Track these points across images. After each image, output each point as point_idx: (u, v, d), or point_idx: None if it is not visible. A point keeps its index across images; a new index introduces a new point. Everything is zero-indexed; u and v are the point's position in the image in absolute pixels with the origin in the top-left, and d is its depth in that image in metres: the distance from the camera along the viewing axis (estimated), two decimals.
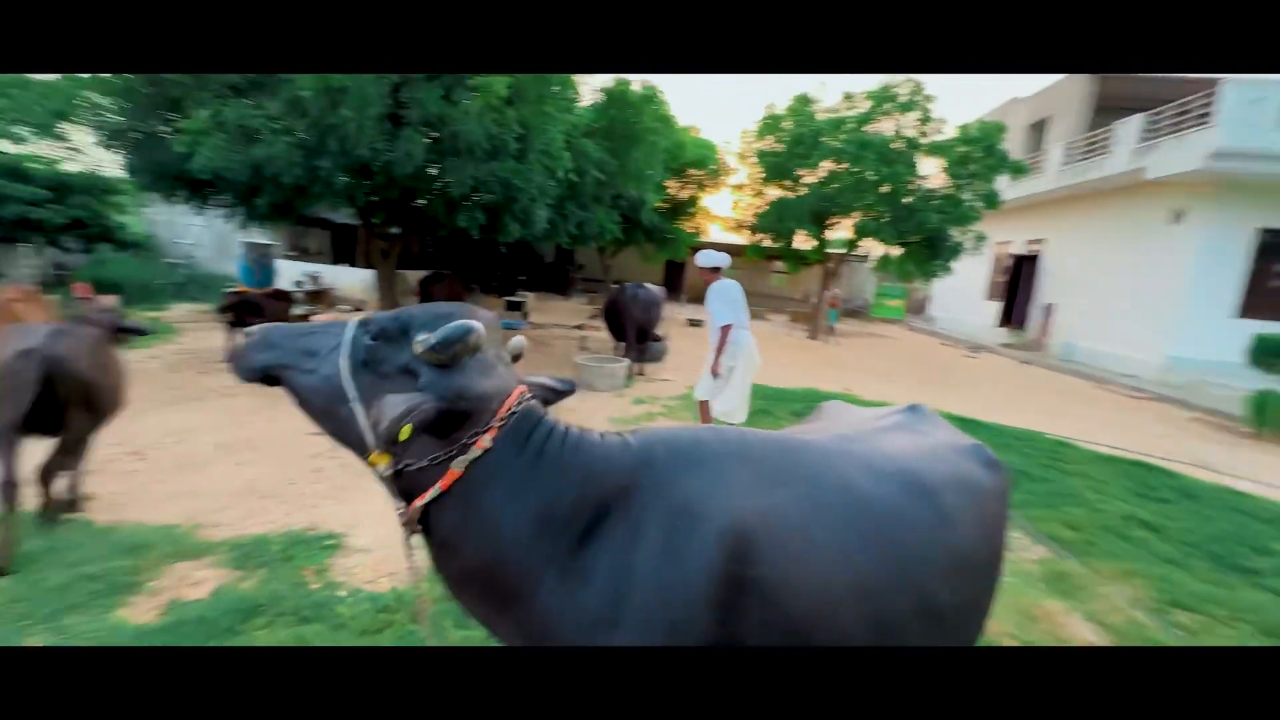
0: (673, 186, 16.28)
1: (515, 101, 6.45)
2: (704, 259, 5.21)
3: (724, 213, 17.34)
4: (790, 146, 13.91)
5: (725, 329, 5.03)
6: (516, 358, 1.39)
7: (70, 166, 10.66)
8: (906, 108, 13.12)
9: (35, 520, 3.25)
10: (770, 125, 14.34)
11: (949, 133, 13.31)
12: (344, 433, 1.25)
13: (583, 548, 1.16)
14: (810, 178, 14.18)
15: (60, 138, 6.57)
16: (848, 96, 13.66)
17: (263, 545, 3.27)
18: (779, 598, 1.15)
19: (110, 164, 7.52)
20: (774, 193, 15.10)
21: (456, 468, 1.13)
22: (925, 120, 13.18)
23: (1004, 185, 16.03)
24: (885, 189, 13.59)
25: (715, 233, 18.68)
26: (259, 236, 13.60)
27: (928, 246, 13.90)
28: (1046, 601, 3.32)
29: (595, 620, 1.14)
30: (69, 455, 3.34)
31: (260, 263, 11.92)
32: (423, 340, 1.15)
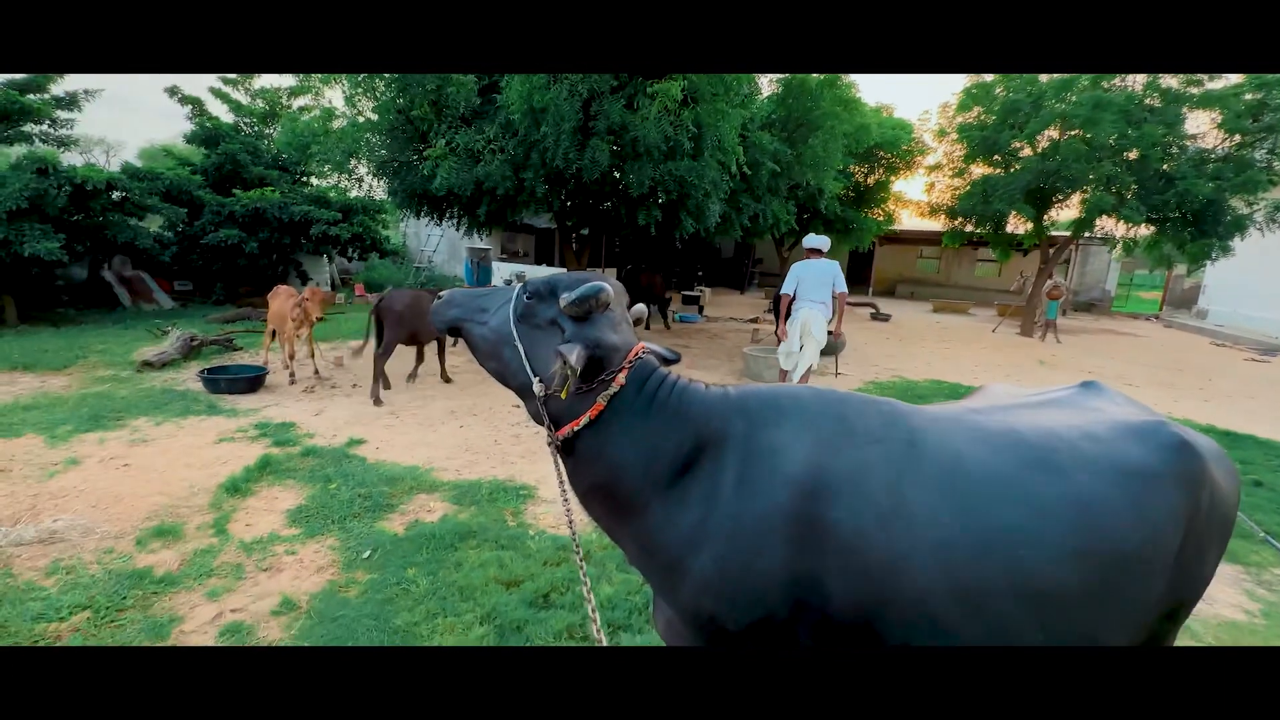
0: (858, 172, 15.35)
1: (690, 102, 6.78)
2: (808, 241, 6.13)
3: (918, 196, 15.80)
4: (1002, 116, 12.22)
5: (780, 298, 6.09)
6: (638, 322, 1.63)
7: (352, 194, 13.75)
8: None
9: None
10: (977, 95, 12.72)
11: (1229, 78, 10.55)
12: (505, 371, 1.51)
13: (681, 478, 1.35)
14: (1026, 151, 12.31)
15: (350, 172, 8.54)
16: None
17: (475, 489, 4.03)
18: (855, 546, 1.22)
19: (376, 189, 9.47)
20: (978, 171, 13.40)
21: (601, 400, 1.40)
22: None
23: None
24: (1131, 155, 11.26)
25: (907, 219, 17.14)
26: (479, 243, 15.99)
27: (1192, 223, 11.20)
28: None
29: (687, 539, 1.33)
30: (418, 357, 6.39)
31: (480, 264, 14.03)
32: (566, 297, 1.41)
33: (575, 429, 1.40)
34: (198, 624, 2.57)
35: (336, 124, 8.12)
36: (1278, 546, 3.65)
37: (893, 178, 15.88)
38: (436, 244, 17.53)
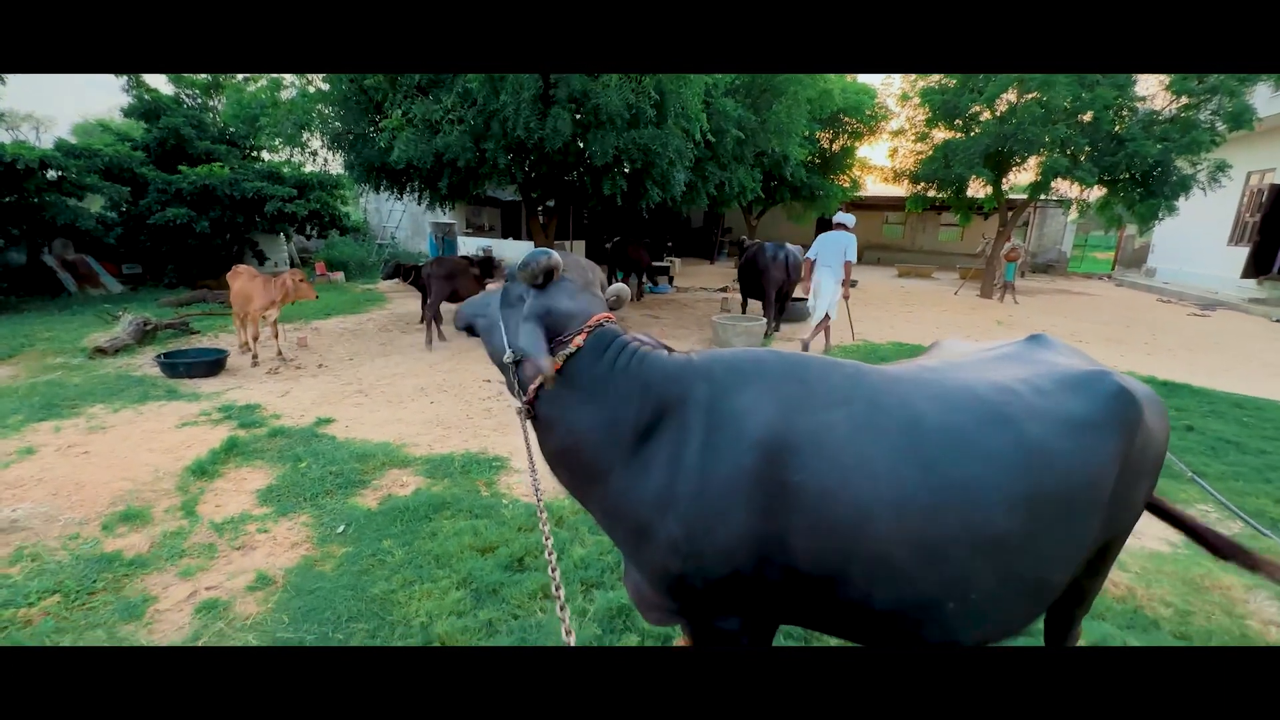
0: (823, 139, 15.39)
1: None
2: (838, 217, 7.34)
3: (882, 162, 15.95)
4: (962, 81, 12.36)
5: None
6: (616, 305, 1.66)
7: (306, 168, 13.23)
8: None
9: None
10: None
11: None
12: (492, 353, 1.60)
13: (646, 444, 1.40)
14: (986, 115, 12.51)
15: (302, 146, 8.24)
16: None
17: (448, 462, 4.07)
18: (820, 505, 1.29)
19: (332, 163, 9.17)
20: (941, 136, 13.58)
21: (558, 359, 1.43)
22: None
23: (1264, 97, 12.70)
24: (1085, 118, 11.54)
25: (871, 185, 17.32)
26: (443, 217, 15.62)
27: (1141, 183, 11.60)
28: (1225, 576, 2.94)
29: (653, 503, 1.37)
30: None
31: (444, 239, 13.77)
32: (511, 269, 1.54)
33: (534, 388, 1.46)
34: (172, 602, 2.59)
35: (285, 94, 7.79)
36: (1204, 485, 3.92)
37: (857, 144, 15.98)
38: (399, 219, 17.07)
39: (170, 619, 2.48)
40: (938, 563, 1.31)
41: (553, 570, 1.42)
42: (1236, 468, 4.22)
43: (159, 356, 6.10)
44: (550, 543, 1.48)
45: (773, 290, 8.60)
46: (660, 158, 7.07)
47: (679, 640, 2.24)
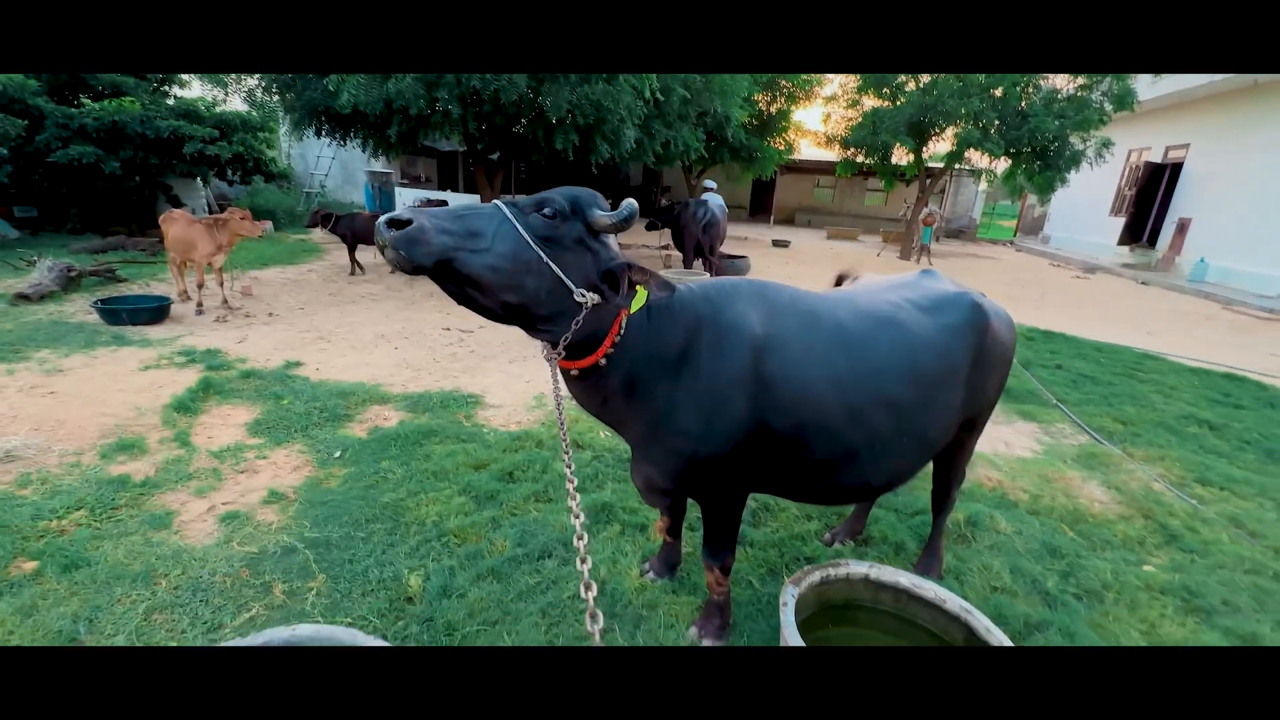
0: (762, 101, 15.82)
1: None
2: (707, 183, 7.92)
3: (815, 127, 16.65)
4: None
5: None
6: (629, 222, 1.59)
7: (218, 108, 12.31)
8: None
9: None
10: None
11: None
12: (528, 299, 1.47)
13: (678, 358, 1.73)
14: (911, 85, 13.35)
15: (225, 86, 7.79)
16: None
17: (426, 398, 4.37)
18: (784, 387, 1.77)
19: (252, 102, 8.70)
20: (870, 103, 14.37)
21: (625, 310, 1.62)
22: None
23: (1145, 83, 14.22)
24: (997, 93, 12.59)
25: (806, 149, 18.03)
26: (379, 167, 15.02)
27: (1040, 156, 12.87)
28: (1070, 472, 3.77)
29: (683, 399, 1.75)
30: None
31: (381, 188, 13.32)
32: (606, 216, 1.52)
33: (615, 336, 1.63)
34: (194, 515, 2.84)
35: None
36: (1064, 409, 4.87)
37: (794, 107, 16.53)
38: (328, 167, 16.22)
39: (197, 527, 2.74)
40: (859, 422, 1.86)
41: (575, 516, 1.41)
42: (1090, 396, 5.20)
43: (96, 302, 5.88)
44: (580, 522, 1.41)
45: (691, 244, 9.16)
46: (612, 114, 7.29)
47: (657, 524, 2.74)
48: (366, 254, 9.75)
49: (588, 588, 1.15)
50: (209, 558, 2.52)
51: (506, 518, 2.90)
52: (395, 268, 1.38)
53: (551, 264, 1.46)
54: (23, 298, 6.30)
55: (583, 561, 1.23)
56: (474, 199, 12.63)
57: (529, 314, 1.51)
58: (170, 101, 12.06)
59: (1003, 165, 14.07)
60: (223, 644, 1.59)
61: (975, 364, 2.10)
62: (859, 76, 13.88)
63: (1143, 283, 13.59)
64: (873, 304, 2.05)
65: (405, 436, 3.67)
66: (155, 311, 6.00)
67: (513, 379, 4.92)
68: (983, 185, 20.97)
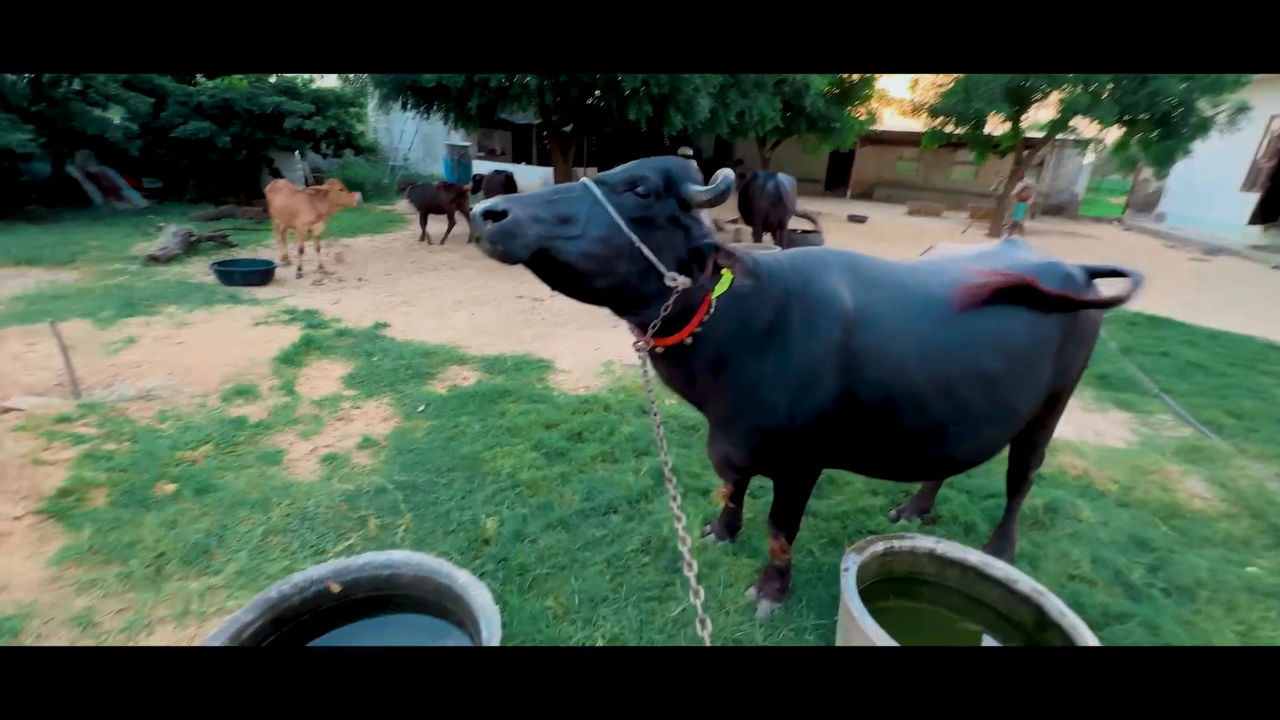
0: None
1: None
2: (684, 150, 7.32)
3: (901, 94, 15.70)
4: None
5: None
6: (725, 196, 1.53)
7: (314, 84, 13.07)
8: None
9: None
10: None
11: None
12: (621, 283, 1.44)
13: (767, 333, 1.69)
14: None
15: None
16: None
17: (501, 361, 4.59)
18: (874, 361, 1.75)
19: (346, 78, 9.16)
20: None
21: (713, 290, 1.59)
22: None
23: None
24: None
25: (889, 118, 17.07)
26: (459, 140, 15.52)
27: (1160, 124, 11.59)
28: (1168, 465, 3.51)
29: (772, 375, 1.69)
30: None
31: (460, 160, 13.79)
32: (702, 191, 1.44)
33: (704, 315, 1.59)
34: (300, 454, 3.16)
35: None
36: (1165, 399, 4.50)
37: (878, 74, 15.63)
38: (411, 141, 16.93)
39: (303, 465, 3.06)
40: (949, 395, 1.82)
41: (680, 527, 1.29)
42: (1199, 387, 4.76)
43: (214, 265, 6.51)
44: (678, 505, 1.33)
45: (759, 219, 8.90)
46: (687, 84, 7.20)
47: (720, 490, 2.80)
48: (437, 225, 10.12)
49: (703, 624, 1.10)
50: (314, 492, 2.81)
51: (575, 474, 3.05)
52: (493, 258, 1.34)
53: (644, 248, 1.41)
54: (154, 259, 7.06)
55: (695, 595, 1.15)
56: (547, 171, 12.86)
57: (620, 297, 1.49)
58: (272, 79, 12.91)
59: (1114, 134, 12.78)
60: (213, 645, 1.75)
61: (1066, 337, 2.02)
62: None
63: (1275, 267, 12.11)
64: (960, 274, 1.98)
65: (482, 395, 3.89)
66: (263, 274, 6.57)
67: (582, 345, 5.07)
68: (1089, 157, 19.12)
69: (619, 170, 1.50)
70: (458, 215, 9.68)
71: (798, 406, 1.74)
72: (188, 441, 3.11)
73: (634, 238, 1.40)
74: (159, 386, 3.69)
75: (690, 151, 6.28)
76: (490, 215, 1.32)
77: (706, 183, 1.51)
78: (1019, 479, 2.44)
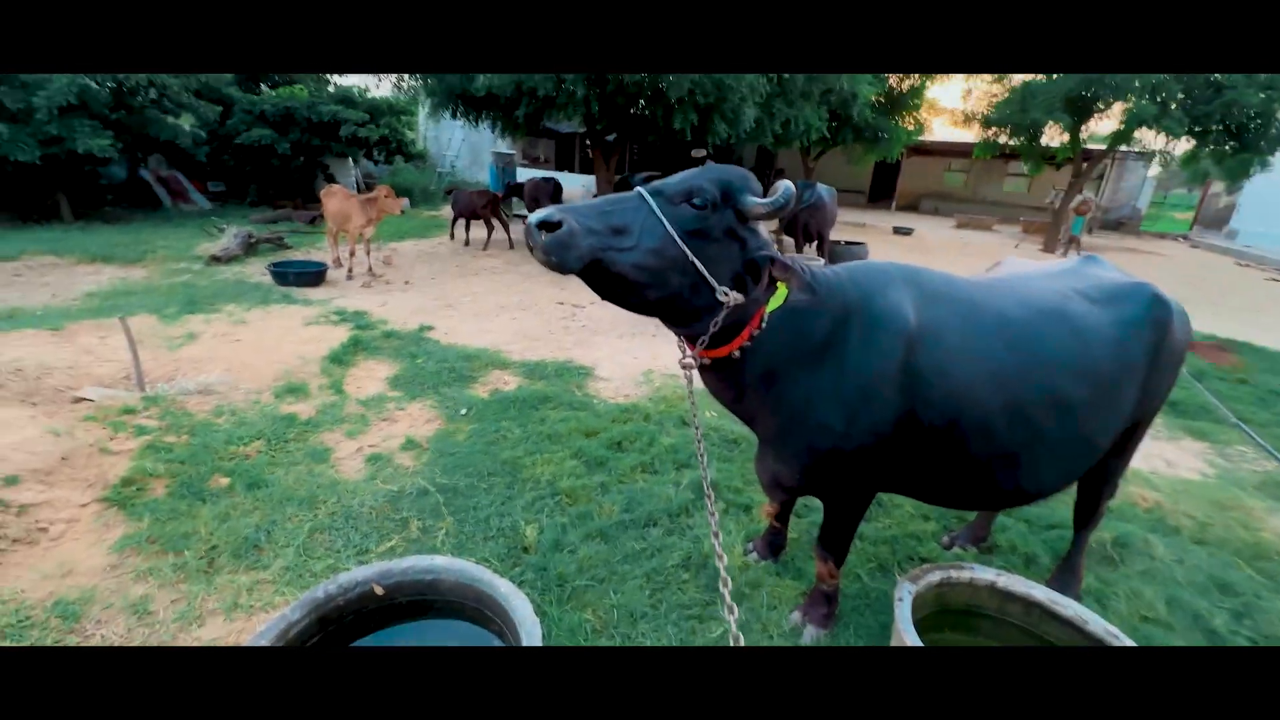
0: (892, 76, 14.75)
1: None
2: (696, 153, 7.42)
3: (952, 104, 15.26)
4: None
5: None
6: (785, 207, 1.50)
7: (370, 93, 13.56)
8: None
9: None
10: None
11: None
12: (673, 295, 1.42)
13: (822, 348, 1.62)
14: None
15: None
16: None
17: (541, 367, 4.61)
18: (939, 381, 1.65)
19: (399, 88, 9.42)
20: (1020, 76, 12.92)
21: (765, 304, 1.52)
22: None
23: None
24: None
25: (938, 128, 16.63)
26: (504, 147, 15.84)
27: (1235, 135, 10.95)
28: (1250, 501, 3.26)
29: (827, 394, 1.62)
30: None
31: (505, 168, 14.05)
32: (761, 204, 1.40)
33: (755, 329, 1.55)
34: (346, 453, 3.22)
35: None
36: (1245, 429, 4.18)
37: (928, 82, 15.25)
38: (459, 149, 17.36)
39: (349, 464, 3.11)
40: (1022, 421, 1.70)
41: (716, 536, 1.36)
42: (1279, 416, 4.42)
43: (270, 266, 6.77)
44: (715, 520, 1.41)
45: (799, 229, 8.77)
46: (733, 93, 7.15)
47: (765, 507, 2.72)
48: (480, 230, 10.30)
49: (736, 642, 1.09)
50: (358, 491, 2.85)
51: (614, 484, 3.01)
52: (547, 268, 1.34)
53: (697, 261, 1.38)
54: (215, 259, 7.40)
55: (730, 612, 1.14)
56: (589, 179, 12.97)
57: (671, 309, 1.47)
58: (330, 89, 13.45)
59: (1183, 146, 12.14)
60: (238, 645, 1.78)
61: (1152, 364, 1.88)
62: None
63: None
64: (1037, 292, 1.87)
65: (523, 400, 3.91)
66: (315, 275, 6.79)
67: (622, 353, 5.05)
68: (1154, 169, 18.18)
69: (675, 180, 1.47)
70: (495, 221, 9.86)
71: (853, 425, 1.65)
72: (241, 436, 3.20)
73: (687, 250, 1.37)
74: (216, 382, 3.83)
75: (704, 153, 6.20)
76: (545, 226, 1.30)
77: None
78: (1089, 511, 2.29)
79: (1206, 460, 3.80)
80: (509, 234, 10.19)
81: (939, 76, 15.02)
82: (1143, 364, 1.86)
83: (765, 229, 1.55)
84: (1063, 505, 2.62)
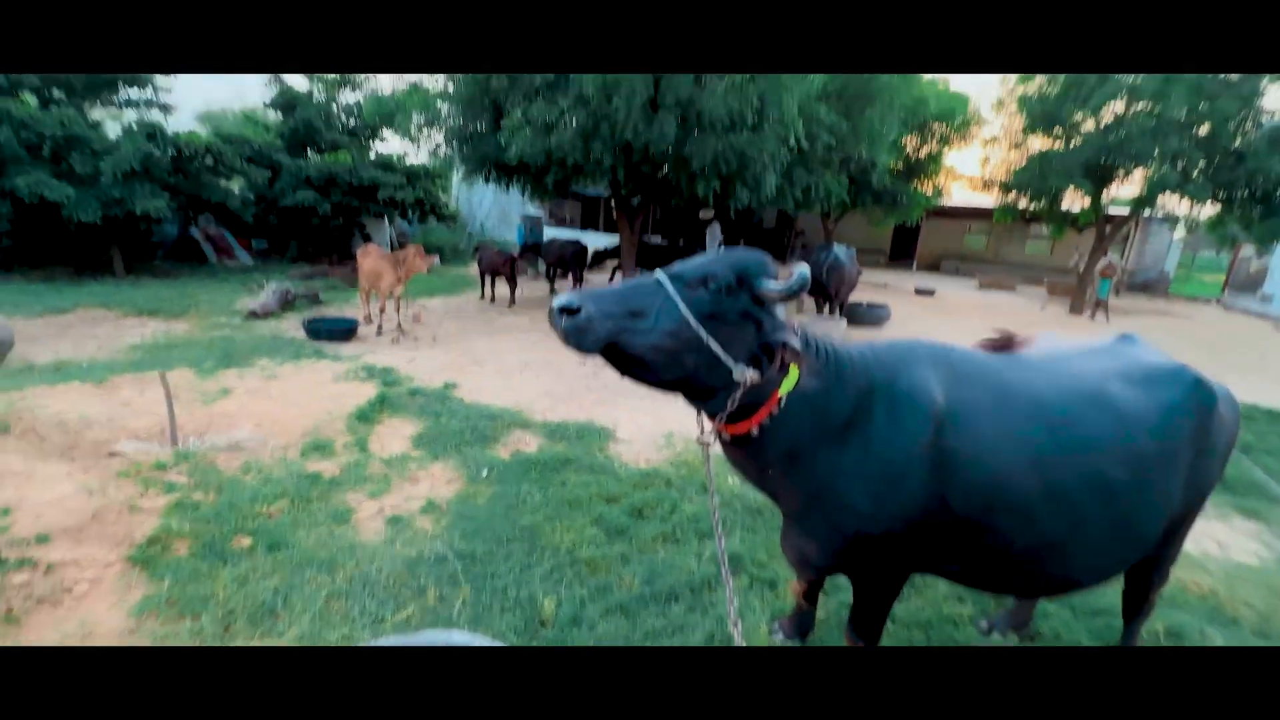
0: (911, 144, 15.16)
1: (755, 77, 7.03)
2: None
3: (970, 170, 15.54)
4: (1065, 89, 11.93)
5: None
6: (800, 290, 1.54)
7: (409, 159, 14.36)
8: None
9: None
10: None
11: None
12: (690, 375, 1.45)
13: (845, 427, 1.60)
14: (1089, 124, 12.04)
15: (415, 139, 9.11)
16: None
17: (563, 428, 4.61)
18: (971, 464, 1.60)
19: (446, 155, 9.93)
20: (1038, 145, 13.14)
21: (780, 386, 1.52)
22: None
23: None
24: (1202, 130, 10.95)
25: (957, 191, 16.89)
26: (531, 209, 16.48)
27: (1261, 201, 10.89)
28: None
29: (852, 474, 1.59)
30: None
31: (532, 229, 14.60)
32: (776, 287, 1.44)
33: (774, 408, 1.54)
34: (367, 514, 3.21)
35: (418, 93, 8.62)
36: None
37: (946, 150, 15.62)
38: (489, 209, 18.10)
39: (370, 526, 3.10)
40: (1064, 506, 1.63)
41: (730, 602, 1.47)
42: None
43: (305, 322, 7.01)
44: (730, 587, 1.53)
45: (818, 291, 8.93)
46: (755, 162, 7.41)
47: (792, 584, 2.62)
48: (505, 286, 10.52)
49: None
50: (377, 555, 2.83)
51: (635, 554, 2.94)
52: (569, 349, 1.43)
53: (713, 342, 1.42)
54: (253, 314, 7.69)
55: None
56: (613, 238, 13.35)
57: (688, 387, 1.52)
58: (372, 155, 14.28)
59: (1208, 210, 12.08)
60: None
61: (1198, 450, 1.80)
62: (1025, 116, 12.80)
63: None
64: (1072, 373, 1.83)
65: (544, 463, 3.89)
66: (347, 331, 7.00)
67: (643, 415, 5.04)
68: (1179, 233, 18.06)
69: (694, 264, 1.52)
70: (518, 277, 10.19)
71: (880, 507, 1.61)
72: (267, 495, 3.23)
73: (702, 332, 1.42)
74: (246, 438, 3.90)
75: (711, 214, 6.57)
76: (566, 310, 1.38)
77: (778, 266, 1.51)
78: (1139, 600, 2.16)
79: (1262, 541, 3.58)
80: (513, 292, 10.26)
81: (956, 144, 15.40)
82: (1188, 450, 1.79)
83: (782, 309, 1.57)
84: (1111, 589, 2.47)
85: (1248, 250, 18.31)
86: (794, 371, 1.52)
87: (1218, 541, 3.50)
